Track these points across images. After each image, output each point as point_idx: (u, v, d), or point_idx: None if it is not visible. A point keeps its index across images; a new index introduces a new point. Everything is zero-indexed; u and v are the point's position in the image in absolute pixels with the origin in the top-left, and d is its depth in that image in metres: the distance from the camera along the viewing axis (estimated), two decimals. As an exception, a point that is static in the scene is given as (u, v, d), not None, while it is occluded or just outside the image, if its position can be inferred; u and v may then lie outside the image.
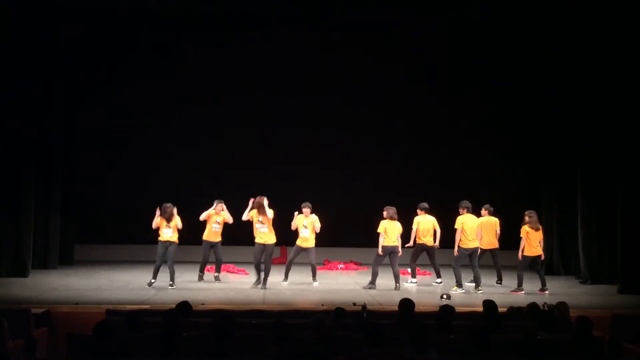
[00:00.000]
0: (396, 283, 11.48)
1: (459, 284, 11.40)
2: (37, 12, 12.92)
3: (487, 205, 12.33)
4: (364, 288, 11.53)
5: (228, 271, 13.43)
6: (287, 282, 11.91)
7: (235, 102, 15.54)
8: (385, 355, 5.91)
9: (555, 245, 14.28)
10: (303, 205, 11.97)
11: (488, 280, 12.19)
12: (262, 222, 11.44)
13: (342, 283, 12.43)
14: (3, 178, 12.68)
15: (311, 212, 11.91)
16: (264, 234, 11.46)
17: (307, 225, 11.87)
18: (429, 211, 12.18)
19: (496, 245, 12.26)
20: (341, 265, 14.49)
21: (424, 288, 11.89)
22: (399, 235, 11.61)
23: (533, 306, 7.82)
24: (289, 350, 5.65)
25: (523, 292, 11.27)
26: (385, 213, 11.65)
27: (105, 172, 15.50)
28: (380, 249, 11.50)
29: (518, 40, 15.54)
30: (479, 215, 12.07)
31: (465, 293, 11.23)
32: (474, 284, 11.52)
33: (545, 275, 13.87)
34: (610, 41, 12.66)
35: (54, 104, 13.70)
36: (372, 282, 11.53)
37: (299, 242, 11.96)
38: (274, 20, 15.09)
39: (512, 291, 11.37)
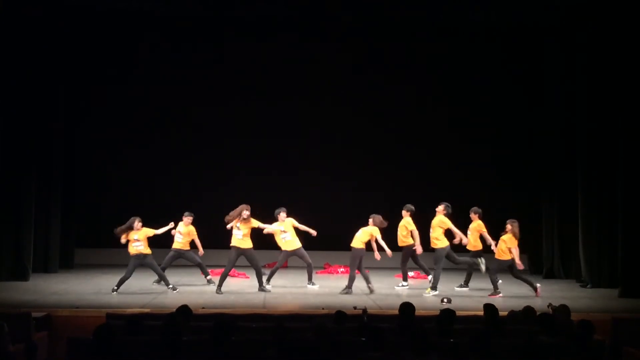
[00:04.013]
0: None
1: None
2: (37, 16, 12.92)
3: (475, 208, 12.25)
4: (368, 286, 11.55)
5: (229, 274, 13.44)
6: (270, 286, 11.91)
7: (235, 108, 15.56)
8: (386, 359, 5.91)
9: (556, 249, 14.30)
10: (278, 211, 12.01)
11: (478, 284, 12.19)
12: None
13: (342, 287, 12.39)
14: (4, 182, 12.67)
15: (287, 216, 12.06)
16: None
17: (286, 229, 11.96)
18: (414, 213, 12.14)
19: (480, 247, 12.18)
20: (341, 269, 14.47)
21: (422, 292, 11.85)
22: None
23: (528, 310, 7.83)
24: (289, 354, 5.64)
25: (500, 295, 11.27)
26: (371, 221, 11.66)
27: (105, 176, 15.55)
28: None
29: (518, 44, 15.56)
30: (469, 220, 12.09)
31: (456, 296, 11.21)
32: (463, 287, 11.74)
33: (546, 278, 13.96)
34: (609, 43, 12.66)
35: (55, 108, 13.72)
36: (369, 284, 11.57)
37: (285, 247, 12.03)
38: (274, 27, 15.13)
39: (489, 295, 11.32)
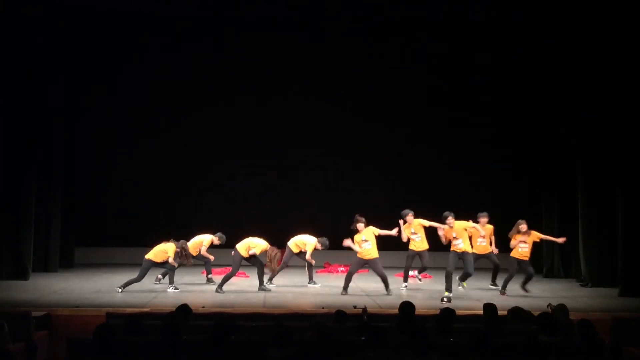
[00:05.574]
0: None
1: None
2: (37, 16, 12.92)
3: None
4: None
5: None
6: (274, 285, 12.01)
7: (236, 108, 15.54)
8: (386, 359, 5.91)
9: (556, 248, 14.28)
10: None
11: (476, 283, 12.23)
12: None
13: (342, 286, 12.40)
14: (4, 182, 12.68)
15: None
16: None
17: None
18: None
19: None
20: (341, 268, 14.46)
21: (424, 291, 11.87)
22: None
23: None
24: (289, 353, 5.64)
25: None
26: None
27: (105, 176, 15.56)
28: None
29: (518, 44, 15.56)
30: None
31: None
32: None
33: (546, 278, 14.00)
34: (609, 42, 12.66)
35: (55, 108, 13.72)
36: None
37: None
38: (274, 27, 15.11)
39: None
